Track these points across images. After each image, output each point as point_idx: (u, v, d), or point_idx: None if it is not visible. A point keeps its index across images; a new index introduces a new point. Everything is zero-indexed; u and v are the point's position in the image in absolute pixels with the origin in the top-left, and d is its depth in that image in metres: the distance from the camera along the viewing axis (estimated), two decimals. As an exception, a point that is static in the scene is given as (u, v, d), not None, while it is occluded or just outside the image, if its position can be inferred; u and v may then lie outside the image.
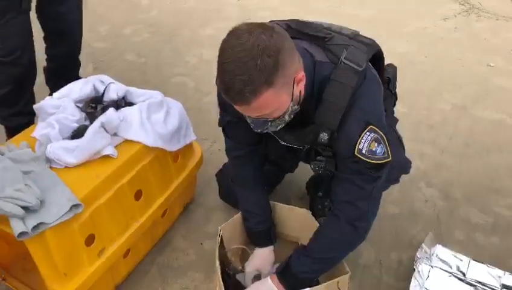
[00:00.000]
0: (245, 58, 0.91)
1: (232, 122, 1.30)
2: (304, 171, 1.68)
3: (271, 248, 1.45)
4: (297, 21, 1.21)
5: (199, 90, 2.42)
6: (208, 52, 2.71)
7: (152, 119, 1.37)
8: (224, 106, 1.25)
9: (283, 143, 1.29)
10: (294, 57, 1.00)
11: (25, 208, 1.07)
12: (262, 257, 1.43)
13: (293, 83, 1.00)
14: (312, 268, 1.26)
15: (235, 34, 0.95)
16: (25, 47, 1.63)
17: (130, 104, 1.42)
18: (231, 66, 0.92)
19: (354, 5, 3.31)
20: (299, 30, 1.17)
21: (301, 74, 1.02)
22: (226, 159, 1.59)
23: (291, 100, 1.03)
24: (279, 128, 1.10)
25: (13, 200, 1.07)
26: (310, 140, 1.17)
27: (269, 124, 1.07)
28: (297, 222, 1.47)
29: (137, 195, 1.35)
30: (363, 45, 1.16)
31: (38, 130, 1.32)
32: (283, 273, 1.27)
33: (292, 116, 1.09)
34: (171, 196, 1.47)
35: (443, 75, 2.57)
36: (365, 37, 1.22)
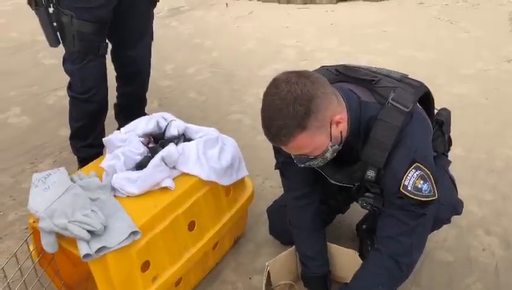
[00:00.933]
0: (280, 106, 1.04)
1: (286, 163, 1.36)
2: (355, 212, 1.69)
3: None
4: (345, 66, 1.29)
5: (254, 128, 2.50)
6: (263, 90, 2.80)
7: (207, 155, 1.45)
8: (278, 148, 1.32)
9: (333, 182, 1.33)
10: (329, 102, 1.08)
11: (90, 232, 1.17)
12: None
13: (331, 125, 1.09)
14: None
15: (274, 83, 1.08)
16: (99, 86, 1.81)
17: (189, 139, 1.52)
18: (269, 112, 1.07)
19: (413, 47, 3.31)
20: (347, 74, 1.25)
21: (339, 116, 1.10)
22: (277, 196, 1.63)
23: (330, 140, 1.10)
24: (321, 164, 1.18)
25: (81, 224, 1.17)
26: (358, 177, 1.22)
27: (311, 161, 1.15)
28: (345, 262, 1.46)
29: (191, 226, 1.42)
30: (411, 87, 1.22)
31: (106, 161, 1.44)
32: None
33: (335, 154, 1.15)
34: (222, 228, 1.53)
35: (506, 119, 2.48)
36: (413, 79, 1.27)
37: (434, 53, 3.21)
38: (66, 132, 2.55)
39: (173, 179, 1.40)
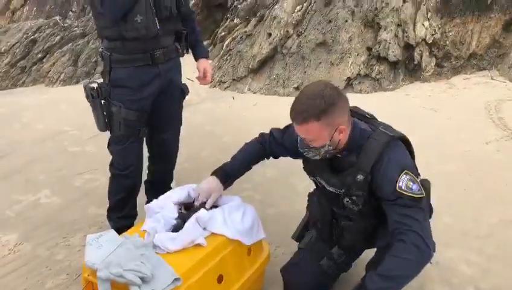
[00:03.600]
0: (311, 96, 1.48)
1: (276, 142, 1.86)
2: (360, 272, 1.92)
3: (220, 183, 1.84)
4: (355, 107, 1.73)
5: (264, 203, 2.79)
6: (271, 171, 3.14)
7: (232, 217, 1.74)
8: (287, 132, 1.82)
9: (329, 188, 1.69)
10: (343, 114, 1.51)
11: (141, 278, 1.42)
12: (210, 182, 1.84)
13: (335, 129, 1.49)
14: (384, 286, 1.46)
15: (317, 82, 1.60)
16: (137, 164, 2.15)
17: (215, 206, 1.81)
18: (301, 96, 1.51)
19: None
20: (356, 112, 1.68)
21: (343, 127, 1.51)
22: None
23: (330, 140, 1.50)
24: (315, 158, 1.59)
25: (134, 272, 1.42)
26: (350, 181, 1.57)
27: (309, 149, 1.55)
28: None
29: (219, 279, 1.65)
30: (394, 130, 1.63)
31: (147, 224, 1.72)
32: None
33: (327, 154, 1.55)
34: (245, 284, 1.76)
35: (488, 191, 2.78)
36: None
37: (421, 136, 3.58)
38: (94, 210, 2.85)
39: (205, 238, 1.66)
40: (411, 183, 1.49)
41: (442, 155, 3.26)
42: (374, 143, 1.54)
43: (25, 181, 3.32)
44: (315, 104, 1.45)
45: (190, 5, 2.23)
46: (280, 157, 1.95)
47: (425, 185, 1.78)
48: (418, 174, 1.63)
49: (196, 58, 2.34)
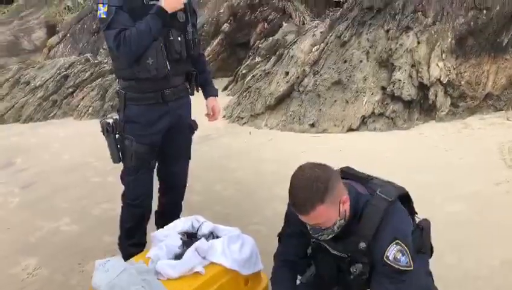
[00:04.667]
0: (305, 184, 1.48)
1: (289, 234, 1.78)
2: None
3: None
4: (348, 167, 1.77)
5: (270, 237, 2.86)
6: (281, 206, 3.21)
7: (231, 248, 1.85)
8: (290, 219, 1.75)
9: (334, 252, 1.70)
10: (339, 185, 1.53)
11: (140, 301, 1.54)
12: None
13: (340, 203, 1.51)
14: None
15: (300, 169, 1.55)
16: (147, 195, 2.30)
17: (216, 236, 1.93)
18: (297, 189, 1.50)
19: (412, 170, 3.70)
20: (349, 173, 1.72)
21: (345, 197, 1.53)
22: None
23: (339, 215, 1.52)
24: (330, 237, 1.58)
25: (134, 295, 1.54)
26: (352, 248, 1.60)
27: (323, 231, 1.55)
28: None
29: (216, 307, 1.75)
30: (394, 187, 1.66)
31: (152, 251, 1.84)
32: None
33: (339, 228, 1.56)
34: (241, 313, 1.85)
35: (494, 234, 2.79)
36: (397, 184, 1.72)
37: (431, 176, 3.64)
38: (109, 238, 2.99)
39: (203, 267, 1.77)
40: (400, 255, 1.51)
41: (451, 195, 3.29)
42: (373, 210, 1.56)
43: (49, 209, 3.52)
44: (314, 189, 1.46)
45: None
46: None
47: (424, 225, 1.85)
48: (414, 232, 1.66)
49: (206, 97, 2.52)
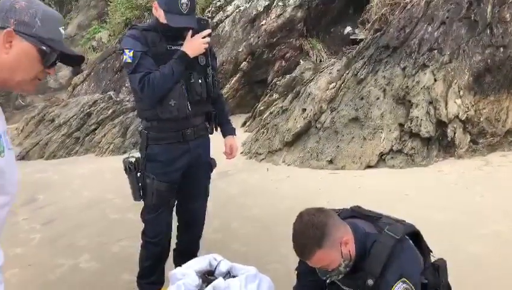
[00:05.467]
0: (303, 230, 1.55)
1: (303, 272, 1.83)
2: None
3: None
4: (358, 206, 1.81)
5: (289, 276, 2.84)
6: (299, 244, 3.21)
7: (248, 288, 1.85)
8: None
9: (344, 287, 1.73)
10: (338, 228, 1.57)
11: None
12: None
13: (340, 245, 1.54)
14: None
15: (299, 216, 1.62)
16: (166, 232, 2.33)
17: (234, 276, 1.93)
18: (296, 236, 1.58)
19: (432, 208, 3.65)
20: (358, 211, 1.76)
21: (346, 238, 1.56)
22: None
23: (342, 257, 1.55)
24: (340, 277, 1.61)
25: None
26: (361, 284, 1.61)
27: (331, 273, 1.59)
28: None
29: None
30: (403, 225, 1.69)
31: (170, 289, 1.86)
32: None
33: (347, 268, 1.59)
34: None
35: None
36: (406, 222, 1.74)
37: (451, 215, 3.58)
38: (127, 275, 3.01)
39: (220, 306, 1.77)
40: None
41: (471, 235, 3.22)
42: (380, 247, 1.59)
43: (69, 245, 3.57)
44: (310, 235, 1.54)
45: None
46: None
47: (440, 264, 1.84)
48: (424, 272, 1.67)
49: (224, 135, 2.59)
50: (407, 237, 1.66)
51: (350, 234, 1.61)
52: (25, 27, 1.22)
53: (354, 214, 1.73)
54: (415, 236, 1.73)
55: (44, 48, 1.25)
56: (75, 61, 1.43)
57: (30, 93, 6.87)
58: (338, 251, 1.56)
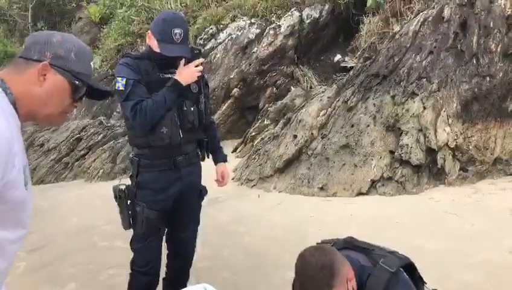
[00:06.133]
0: (311, 273, 1.51)
1: None
2: None
3: None
4: (351, 238, 1.80)
5: (280, 306, 2.80)
6: (288, 273, 3.14)
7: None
8: None
9: None
10: (343, 265, 1.55)
11: None
12: None
13: (347, 282, 1.52)
14: None
15: (302, 256, 1.57)
16: (155, 261, 2.29)
17: (225, 307, 1.89)
18: (304, 279, 1.53)
19: (422, 236, 3.66)
20: (352, 243, 1.74)
21: (351, 274, 1.55)
22: None
23: None
24: None
25: None
26: None
27: None
28: None
29: None
30: (397, 257, 1.68)
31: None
32: None
33: None
34: None
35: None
36: (401, 254, 1.73)
37: (442, 242, 3.57)
38: (115, 305, 2.94)
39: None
40: None
41: (462, 263, 3.21)
42: (376, 281, 1.59)
43: (55, 274, 3.48)
44: (320, 277, 1.50)
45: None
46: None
47: None
48: None
49: (215, 163, 2.58)
50: (401, 270, 1.66)
51: (351, 268, 1.60)
52: (61, 61, 1.24)
53: (347, 246, 1.72)
54: (409, 266, 1.72)
55: (77, 82, 1.27)
56: (101, 95, 1.44)
57: (57, 126, 6.88)
58: (345, 287, 1.54)
